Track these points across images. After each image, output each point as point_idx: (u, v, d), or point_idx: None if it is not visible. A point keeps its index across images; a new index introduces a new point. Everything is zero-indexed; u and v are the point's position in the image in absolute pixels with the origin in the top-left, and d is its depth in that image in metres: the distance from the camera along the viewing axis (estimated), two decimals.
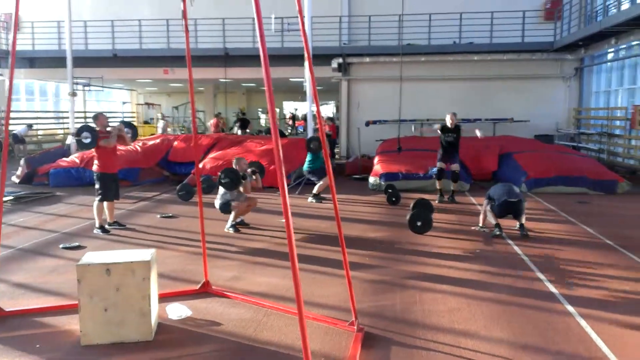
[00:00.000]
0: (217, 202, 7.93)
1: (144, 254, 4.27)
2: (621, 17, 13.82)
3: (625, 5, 15.57)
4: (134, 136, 8.87)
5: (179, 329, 4.40)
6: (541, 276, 5.75)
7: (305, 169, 11.05)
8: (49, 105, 27.22)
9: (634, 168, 14.42)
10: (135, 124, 25.74)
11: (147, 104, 24.63)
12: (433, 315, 4.71)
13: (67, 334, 4.29)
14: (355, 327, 4.28)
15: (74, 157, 13.41)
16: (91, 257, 4.22)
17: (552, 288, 5.37)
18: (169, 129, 23.33)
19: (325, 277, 5.77)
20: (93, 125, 7.95)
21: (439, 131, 10.58)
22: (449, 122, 10.48)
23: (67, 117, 24.63)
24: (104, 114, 8.34)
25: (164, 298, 4.86)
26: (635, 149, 14.85)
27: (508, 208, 7.37)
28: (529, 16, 19.35)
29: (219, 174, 7.91)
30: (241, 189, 7.90)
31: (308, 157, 10.96)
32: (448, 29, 19.21)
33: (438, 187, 10.58)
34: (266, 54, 3.21)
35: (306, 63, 13.49)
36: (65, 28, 15.99)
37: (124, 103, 30.41)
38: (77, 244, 7.12)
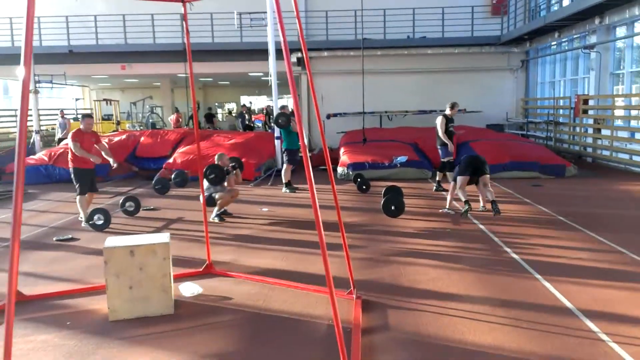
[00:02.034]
0: (206, 191, 8.31)
1: (163, 237, 4.70)
2: (564, 13, 14.88)
3: (566, 1, 16.72)
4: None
5: (194, 304, 4.85)
6: (506, 248, 6.47)
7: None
8: (1, 104, 26.57)
9: (579, 153, 15.58)
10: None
11: (105, 100, 24.38)
12: (418, 283, 5.32)
13: (93, 312, 4.67)
14: (354, 295, 4.83)
15: (42, 155, 13.43)
16: (115, 240, 4.60)
17: (517, 257, 6.08)
18: (96, 128, 23.19)
19: (315, 256, 6.29)
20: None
21: (441, 124, 10.25)
22: (449, 112, 10.35)
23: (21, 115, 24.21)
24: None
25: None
26: (580, 136, 16.01)
27: (474, 163, 8.14)
28: (477, 11, 20.35)
29: (205, 169, 8.26)
30: (225, 183, 8.35)
31: (282, 135, 11.30)
32: (402, 24, 20.00)
33: (440, 178, 10.62)
34: (287, 48, 3.61)
35: (271, 58, 13.90)
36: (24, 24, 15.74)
37: (76, 99, 29.89)
38: (70, 236, 7.40)
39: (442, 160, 10.53)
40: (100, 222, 7.72)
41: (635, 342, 3.93)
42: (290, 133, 10.98)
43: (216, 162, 8.45)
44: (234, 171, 8.66)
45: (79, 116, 22.93)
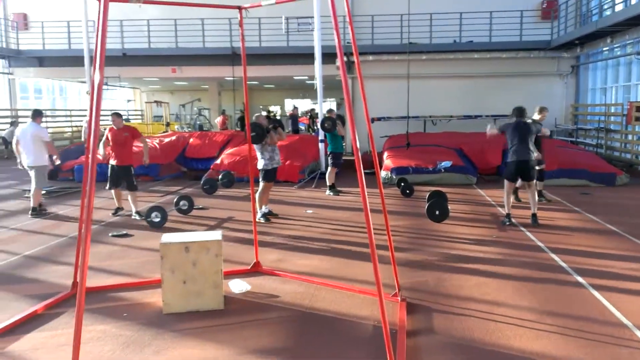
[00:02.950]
0: (260, 164, 8.55)
1: (215, 234, 4.88)
2: (616, 18, 14.52)
3: (619, 6, 16.29)
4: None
5: (243, 300, 5.01)
6: (554, 256, 6.39)
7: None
8: (57, 104, 27.72)
9: (631, 162, 15.13)
10: (141, 121, 26.26)
11: (156, 102, 25.12)
12: (464, 288, 5.34)
13: (147, 305, 4.89)
14: (399, 298, 4.89)
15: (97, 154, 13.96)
16: (170, 237, 4.81)
17: (565, 266, 6.01)
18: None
19: (360, 258, 6.37)
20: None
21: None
22: (538, 117, 9.62)
23: (76, 115, 25.25)
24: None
25: None
26: (632, 144, 15.55)
27: (518, 168, 7.94)
28: (526, 15, 20.05)
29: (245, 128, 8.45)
30: (268, 140, 8.47)
31: (327, 139, 11.40)
32: (448, 28, 19.86)
33: (540, 187, 9.74)
34: (342, 53, 3.72)
35: (317, 62, 14.08)
36: (82, 28, 16.47)
37: (128, 101, 30.87)
38: (125, 232, 7.71)
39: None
40: (158, 219, 8.03)
41: None
42: (335, 137, 11.10)
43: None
44: (276, 130, 8.71)
45: (129, 118, 23.71)
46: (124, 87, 30.36)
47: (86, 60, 16.51)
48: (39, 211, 9.16)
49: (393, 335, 4.13)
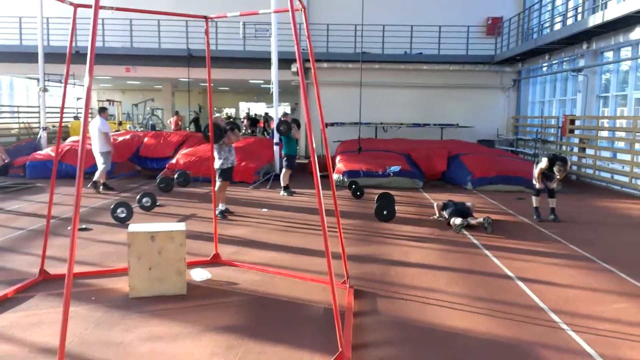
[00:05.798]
0: (217, 164, 8.97)
1: (179, 225, 5.27)
2: (554, 37, 15.64)
3: (557, 26, 17.50)
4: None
5: (204, 287, 5.42)
6: (487, 252, 7.07)
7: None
8: (4, 100, 27.04)
9: None
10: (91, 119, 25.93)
11: (108, 101, 24.92)
12: (405, 278, 5.91)
13: (114, 290, 5.23)
14: (347, 285, 5.41)
15: (49, 151, 13.95)
16: (137, 227, 5.17)
17: (496, 260, 6.69)
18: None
19: (311, 252, 6.86)
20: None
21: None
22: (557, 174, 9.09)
23: (23, 112, 24.75)
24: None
25: None
26: (566, 154, 16.71)
27: (462, 212, 8.73)
28: (472, 31, 21.16)
29: (203, 129, 8.86)
30: (225, 139, 8.90)
31: (282, 142, 11.91)
32: (400, 40, 20.75)
33: (536, 204, 9.56)
34: (301, 60, 4.18)
35: (274, 68, 14.53)
36: (37, 25, 16.35)
37: (78, 99, 30.36)
38: (84, 226, 7.94)
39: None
40: (123, 215, 8.27)
41: (591, 332, 4.53)
42: (290, 140, 11.58)
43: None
44: (233, 131, 9.17)
45: (79, 115, 23.52)
46: (74, 84, 29.90)
47: (40, 57, 16.38)
48: (100, 184, 11.36)
49: (341, 316, 4.63)
